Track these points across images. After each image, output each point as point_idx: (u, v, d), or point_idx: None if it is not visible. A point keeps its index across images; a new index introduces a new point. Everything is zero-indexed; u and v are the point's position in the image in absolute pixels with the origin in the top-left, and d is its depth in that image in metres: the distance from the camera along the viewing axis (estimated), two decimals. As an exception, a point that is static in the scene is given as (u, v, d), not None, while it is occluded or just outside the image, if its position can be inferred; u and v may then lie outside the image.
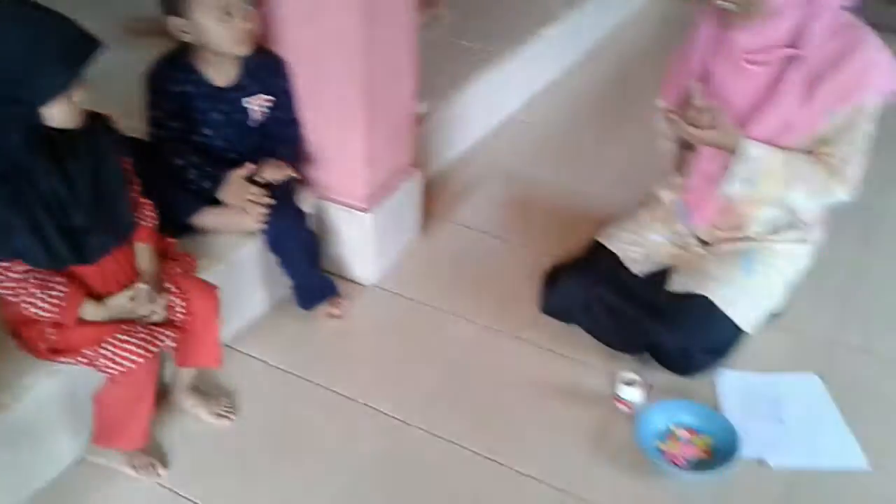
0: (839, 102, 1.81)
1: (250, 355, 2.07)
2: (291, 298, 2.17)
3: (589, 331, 2.15)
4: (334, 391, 1.98)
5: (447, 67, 3.00)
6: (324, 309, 2.15)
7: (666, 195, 2.24)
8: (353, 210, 2.21)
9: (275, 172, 1.99)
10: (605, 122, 3.26)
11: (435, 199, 2.72)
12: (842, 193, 1.92)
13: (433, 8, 3.33)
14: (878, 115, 1.85)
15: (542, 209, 2.70)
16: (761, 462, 1.84)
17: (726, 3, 1.79)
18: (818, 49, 1.79)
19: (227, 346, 2.06)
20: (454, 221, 2.64)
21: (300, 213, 2.09)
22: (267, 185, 1.99)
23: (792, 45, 1.81)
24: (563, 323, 2.19)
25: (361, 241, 2.25)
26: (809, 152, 1.90)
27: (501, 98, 3.17)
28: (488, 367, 2.08)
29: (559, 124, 3.25)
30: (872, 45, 1.79)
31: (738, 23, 1.83)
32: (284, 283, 2.14)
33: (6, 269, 1.48)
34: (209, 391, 1.92)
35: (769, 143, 1.89)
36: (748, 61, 1.85)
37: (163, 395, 1.89)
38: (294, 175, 2.03)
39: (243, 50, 1.85)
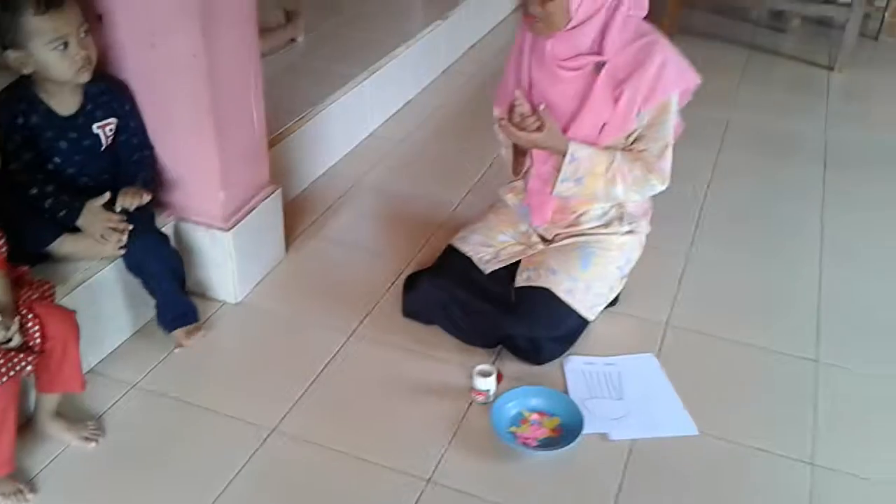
0: (643, 103, 2.02)
1: (116, 379, 2.10)
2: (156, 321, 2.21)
3: (447, 329, 2.29)
4: (201, 407, 2.04)
5: (306, 89, 3.11)
6: (183, 333, 2.19)
7: (510, 199, 2.41)
8: (213, 230, 2.27)
9: (131, 200, 2.03)
10: (461, 136, 3.43)
11: (300, 217, 2.82)
12: (658, 185, 2.15)
13: (289, 32, 3.44)
14: (678, 110, 2.08)
15: (404, 220, 2.84)
16: (603, 436, 2.01)
17: (533, 15, 1.98)
18: (619, 56, 2.00)
19: (92, 371, 2.09)
20: (320, 237, 2.74)
21: (161, 235, 2.15)
22: (125, 210, 2.03)
23: (598, 53, 2.01)
24: (423, 324, 2.32)
25: (224, 260, 2.31)
26: (626, 149, 2.11)
27: (362, 117, 3.30)
28: (353, 371, 2.19)
29: (419, 140, 3.40)
30: (665, 48, 2.02)
31: (543, 34, 2.02)
32: (150, 306, 2.19)
33: None
34: (74, 415, 1.95)
35: (589, 142, 2.09)
36: (560, 67, 2.05)
37: (28, 423, 1.90)
38: (150, 199, 2.07)
39: (83, 77, 1.90)
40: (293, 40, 3.46)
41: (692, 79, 2.08)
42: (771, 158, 3.39)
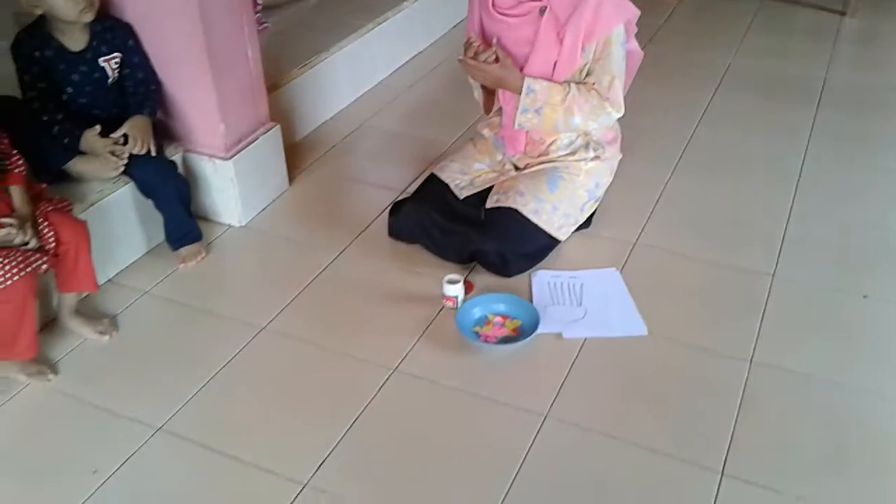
0: (586, 39, 2.21)
1: (129, 287, 2.40)
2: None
3: (426, 247, 2.52)
4: (203, 310, 2.32)
5: (314, 39, 3.34)
6: (186, 252, 2.46)
7: (486, 132, 2.62)
8: (215, 159, 2.54)
9: (139, 147, 2.29)
10: (464, 85, 3.61)
11: (307, 154, 3.07)
12: (614, 112, 2.33)
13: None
14: (622, 41, 2.25)
15: (401, 158, 3.07)
16: (558, 335, 2.22)
17: None
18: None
19: (109, 280, 2.40)
20: (322, 172, 2.99)
21: (169, 162, 2.43)
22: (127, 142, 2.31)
23: None
24: (406, 244, 2.56)
25: (227, 186, 2.58)
26: (580, 83, 2.30)
27: (370, 66, 3.52)
28: (339, 282, 2.43)
29: (424, 89, 3.61)
30: None
31: None
32: (161, 228, 2.47)
33: None
34: (92, 314, 2.25)
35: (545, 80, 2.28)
36: (506, 15, 2.24)
37: (53, 321, 2.21)
38: (152, 151, 2.33)
39: (87, 17, 2.20)
40: (305, -4, 3.70)
41: (630, 10, 2.26)
42: (765, 100, 3.48)
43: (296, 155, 3.02)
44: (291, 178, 2.89)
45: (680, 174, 2.94)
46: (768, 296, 2.35)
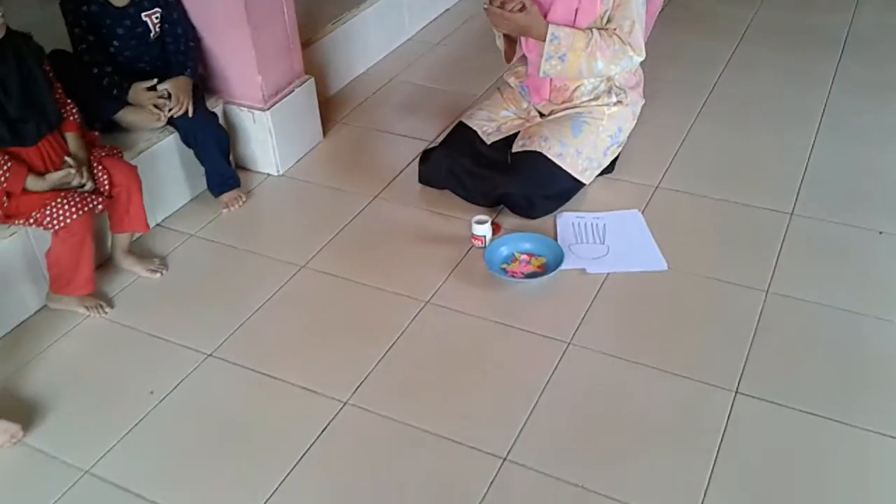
0: None
1: (177, 230, 2.55)
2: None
3: (455, 191, 2.63)
4: (246, 250, 2.47)
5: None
6: (228, 197, 2.61)
7: (513, 81, 2.72)
8: (254, 110, 2.67)
9: (177, 109, 2.42)
10: (490, 40, 3.70)
11: (340, 108, 3.20)
12: (636, 56, 2.41)
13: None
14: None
15: (431, 109, 3.17)
16: (581, 271, 2.33)
17: None
18: None
19: (159, 225, 2.56)
20: (355, 124, 3.11)
21: (210, 113, 2.57)
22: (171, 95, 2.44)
23: None
24: (436, 189, 2.67)
25: (265, 136, 2.72)
26: (602, 29, 2.38)
27: (399, 22, 3.62)
28: (375, 225, 2.56)
29: (452, 43, 3.70)
30: None
31: None
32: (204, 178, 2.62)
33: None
34: (144, 254, 2.40)
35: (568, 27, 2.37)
36: None
37: (108, 262, 2.37)
38: (190, 111, 2.45)
39: None
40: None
41: None
42: (789, 50, 3.51)
43: (329, 108, 3.14)
44: (325, 131, 3.02)
45: (703, 121, 3.01)
46: (786, 232, 2.43)
